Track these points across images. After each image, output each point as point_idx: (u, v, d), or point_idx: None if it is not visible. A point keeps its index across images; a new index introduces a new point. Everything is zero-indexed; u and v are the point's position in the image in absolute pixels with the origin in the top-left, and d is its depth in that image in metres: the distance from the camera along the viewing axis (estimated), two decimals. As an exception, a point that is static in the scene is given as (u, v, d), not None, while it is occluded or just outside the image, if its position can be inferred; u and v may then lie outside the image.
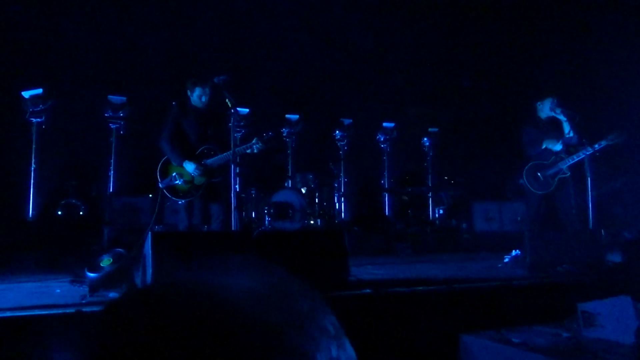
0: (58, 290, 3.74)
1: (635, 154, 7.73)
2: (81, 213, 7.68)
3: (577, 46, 8.81)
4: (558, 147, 5.52)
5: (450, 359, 2.96)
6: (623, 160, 7.71)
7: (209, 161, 4.73)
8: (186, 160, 4.66)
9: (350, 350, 0.46)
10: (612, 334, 2.90)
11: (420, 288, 3.78)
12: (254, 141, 4.82)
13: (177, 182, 4.61)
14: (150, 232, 3.36)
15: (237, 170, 4.66)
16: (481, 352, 2.95)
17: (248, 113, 8.86)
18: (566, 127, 5.48)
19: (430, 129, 10.56)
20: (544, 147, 5.57)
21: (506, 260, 5.22)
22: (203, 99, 4.76)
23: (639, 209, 7.90)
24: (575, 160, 5.44)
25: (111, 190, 8.19)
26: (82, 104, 8.18)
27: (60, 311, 2.80)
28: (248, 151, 4.79)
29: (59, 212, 7.62)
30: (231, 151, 4.58)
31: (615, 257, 4.96)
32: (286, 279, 0.49)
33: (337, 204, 8.17)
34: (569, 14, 8.88)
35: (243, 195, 7.03)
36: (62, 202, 7.65)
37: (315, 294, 0.49)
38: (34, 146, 7.97)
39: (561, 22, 8.98)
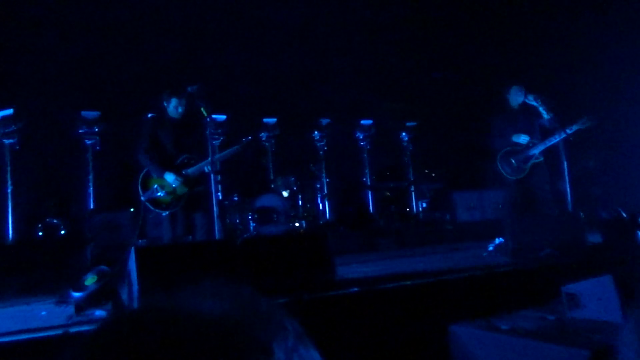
0: (44, 313, 3.69)
1: (606, 133, 7.88)
2: (62, 232, 7.57)
3: (547, 31, 8.96)
4: (525, 139, 5.60)
5: (441, 350, 2.99)
6: (595, 140, 7.86)
7: (189, 171, 4.71)
8: (166, 172, 4.64)
9: (311, 347, 0.52)
10: (596, 313, 2.97)
11: (407, 282, 3.81)
12: (233, 148, 4.82)
13: (159, 194, 4.58)
14: (133, 247, 3.33)
15: (219, 178, 4.66)
16: (471, 341, 2.99)
17: (225, 119, 8.83)
18: (543, 112, 5.57)
19: (407, 123, 10.65)
20: (512, 141, 5.65)
21: (490, 248, 5.29)
22: (179, 110, 4.74)
23: (615, 188, 8.07)
24: (548, 145, 5.54)
25: (91, 207, 8.09)
26: (54, 121, 8.06)
27: (47, 334, 2.77)
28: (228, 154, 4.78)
29: (40, 233, 7.49)
30: (210, 159, 4.57)
31: (594, 238, 5.07)
32: (255, 299, 0.53)
33: (320, 205, 8.20)
34: (536, 3, 9.04)
35: (225, 202, 7.01)
36: (42, 222, 7.52)
37: (279, 305, 0.54)
38: (8, 168, 7.83)
39: (530, 9, 9.13)
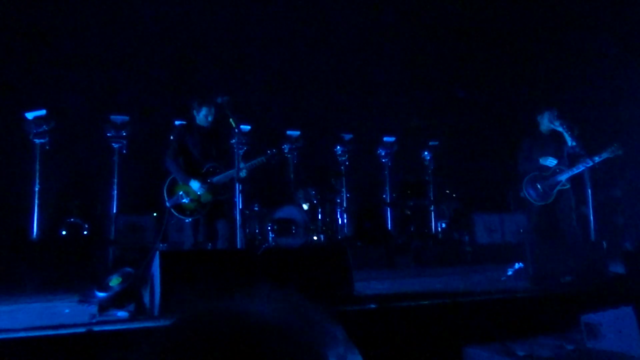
0: (67, 310, 3.77)
1: (633, 163, 7.79)
2: (84, 232, 7.72)
3: (576, 58, 8.92)
4: (552, 162, 5.59)
5: (456, 372, 2.99)
6: (622, 169, 7.77)
7: (214, 179, 4.80)
8: (192, 179, 4.73)
9: (357, 354, 0.55)
10: (615, 345, 2.94)
11: (425, 302, 3.81)
12: (258, 159, 4.89)
13: (183, 200, 4.68)
14: (158, 252, 3.41)
15: (241, 188, 4.73)
16: (486, 365, 2.99)
17: (249, 130, 8.94)
18: (568, 138, 5.55)
19: (430, 142, 10.64)
20: (539, 164, 5.64)
21: (509, 273, 5.24)
22: (209, 119, 4.86)
23: (639, 218, 7.94)
24: (575, 172, 5.51)
25: (115, 209, 8.24)
26: (84, 124, 8.26)
27: (71, 331, 2.85)
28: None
29: (63, 232, 7.65)
30: (236, 169, 4.65)
31: (617, 268, 5.00)
32: (300, 300, 0.57)
33: (339, 219, 8.22)
34: (568, 26, 9.01)
35: (246, 211, 7.08)
36: (66, 222, 7.68)
37: (325, 309, 0.59)
38: (37, 167, 8.03)
39: (560, 34, 9.11)
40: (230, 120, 4.62)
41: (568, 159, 5.64)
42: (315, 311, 0.58)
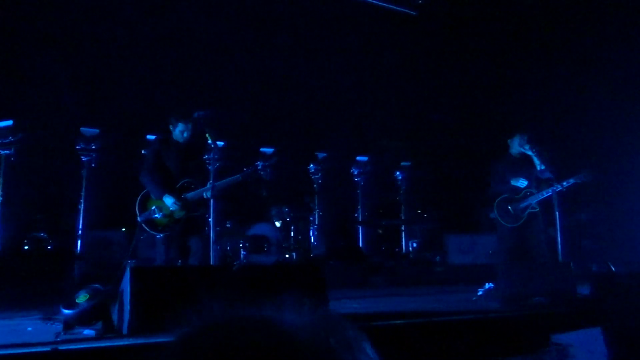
0: (30, 328, 3.63)
1: (600, 187, 8.00)
2: (49, 247, 7.48)
3: (548, 82, 9.18)
4: (523, 183, 5.72)
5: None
6: (589, 193, 7.97)
7: (189, 195, 4.71)
8: (166, 194, 4.63)
9: None
10: (585, 365, 2.99)
11: (398, 322, 3.81)
12: (234, 177, 4.85)
13: (156, 215, 4.57)
14: (128, 268, 3.32)
15: (214, 205, 4.67)
16: (460, 385, 2.99)
17: (223, 146, 8.87)
18: (537, 162, 5.69)
19: (402, 163, 10.77)
20: (511, 184, 5.76)
21: (480, 293, 5.30)
22: (185, 134, 4.79)
23: (606, 242, 8.15)
24: (545, 196, 5.65)
25: (81, 223, 8.02)
26: (53, 136, 8.07)
27: (35, 350, 2.73)
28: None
29: (26, 247, 7.40)
30: (209, 185, 4.59)
31: (583, 290, 5.10)
32: (331, 314, 0.56)
33: (312, 237, 8.21)
34: (540, 52, 9.31)
35: (218, 228, 6.99)
36: (29, 236, 7.44)
37: (354, 325, 0.56)
38: (1, 179, 7.79)
39: (532, 59, 9.39)
40: (207, 135, 4.58)
41: (537, 183, 5.78)
42: (349, 327, 0.56)
